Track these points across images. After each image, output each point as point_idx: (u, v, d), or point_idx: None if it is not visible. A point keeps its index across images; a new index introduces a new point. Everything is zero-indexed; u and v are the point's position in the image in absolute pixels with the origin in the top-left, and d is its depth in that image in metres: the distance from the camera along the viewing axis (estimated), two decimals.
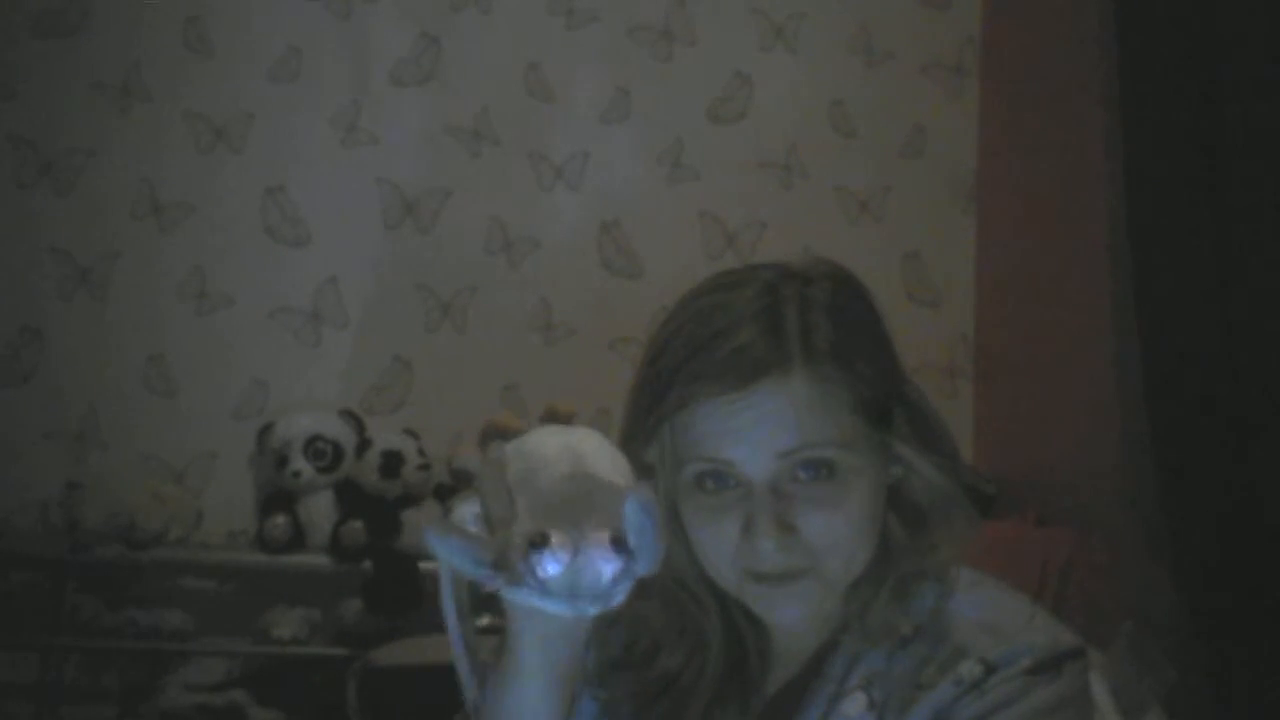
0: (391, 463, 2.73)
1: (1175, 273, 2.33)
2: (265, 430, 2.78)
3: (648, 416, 0.96)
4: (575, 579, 0.83)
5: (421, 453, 2.76)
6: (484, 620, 2.73)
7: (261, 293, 2.89)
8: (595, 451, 0.89)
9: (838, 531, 0.94)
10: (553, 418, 0.94)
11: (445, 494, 2.77)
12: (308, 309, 2.91)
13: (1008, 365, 3.07)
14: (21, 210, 2.80)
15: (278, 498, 2.72)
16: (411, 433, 2.79)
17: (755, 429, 0.93)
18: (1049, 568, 2.39)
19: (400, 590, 2.63)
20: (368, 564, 2.65)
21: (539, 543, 0.82)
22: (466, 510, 0.93)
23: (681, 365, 0.95)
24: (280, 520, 2.67)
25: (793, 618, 0.98)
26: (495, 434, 0.93)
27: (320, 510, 2.71)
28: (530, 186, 3.01)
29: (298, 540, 2.68)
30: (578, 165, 3.03)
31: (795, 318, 0.95)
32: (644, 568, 0.84)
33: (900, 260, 3.15)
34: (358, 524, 2.66)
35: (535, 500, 0.86)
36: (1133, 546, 2.50)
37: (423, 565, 2.65)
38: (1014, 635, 0.95)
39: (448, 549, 0.85)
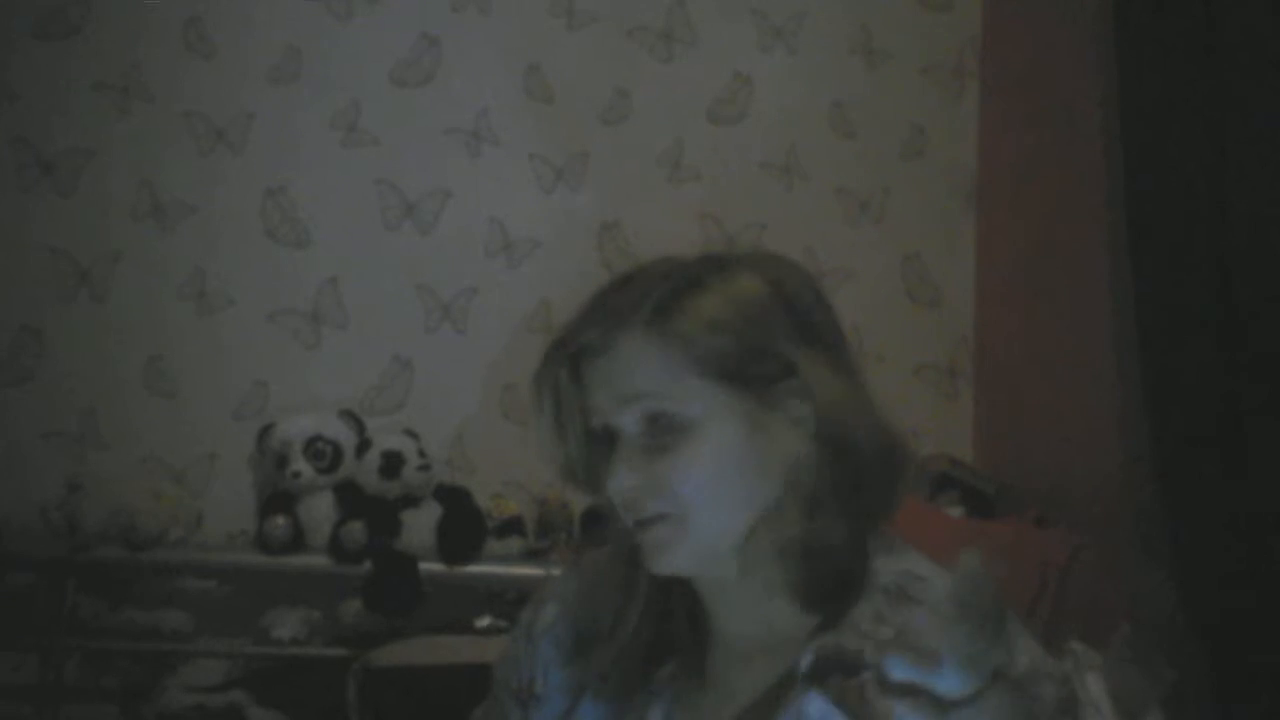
0: (392, 463, 2.72)
1: (1175, 273, 2.33)
2: (265, 431, 2.78)
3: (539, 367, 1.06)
4: None
5: (422, 453, 2.76)
6: (485, 621, 2.74)
7: (261, 293, 2.89)
8: None
9: (683, 478, 1.00)
10: None
11: (445, 495, 2.77)
12: (308, 310, 2.91)
13: (1008, 365, 3.07)
14: (22, 210, 2.80)
15: (278, 498, 2.72)
16: (411, 433, 2.79)
17: (606, 378, 1.02)
18: (1049, 568, 2.39)
19: (400, 591, 2.64)
20: (368, 564, 2.64)
21: None
22: None
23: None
24: (280, 521, 2.67)
25: (669, 565, 1.03)
26: None
27: (320, 511, 2.70)
28: (530, 187, 3.01)
29: (298, 541, 2.68)
30: (578, 166, 3.03)
31: (665, 287, 1.02)
32: None
33: (900, 261, 3.15)
34: (358, 525, 2.66)
35: None
36: (1133, 546, 2.50)
37: (422, 566, 2.65)
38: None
39: None
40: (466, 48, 2.99)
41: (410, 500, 2.73)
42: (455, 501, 2.76)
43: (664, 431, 1.01)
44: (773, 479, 1.03)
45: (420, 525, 2.71)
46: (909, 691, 0.83)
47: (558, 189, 3.03)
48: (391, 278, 2.94)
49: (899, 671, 0.84)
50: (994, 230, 3.16)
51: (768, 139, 3.11)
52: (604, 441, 1.05)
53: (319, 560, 2.67)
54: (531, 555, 2.73)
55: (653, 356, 1.01)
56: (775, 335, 1.02)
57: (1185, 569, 2.28)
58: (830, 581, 1.02)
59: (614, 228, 3.02)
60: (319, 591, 2.72)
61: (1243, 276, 2.20)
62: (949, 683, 0.83)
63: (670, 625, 1.09)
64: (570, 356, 1.05)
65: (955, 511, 2.81)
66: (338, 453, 2.73)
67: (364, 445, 2.76)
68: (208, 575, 2.78)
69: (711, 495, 1.01)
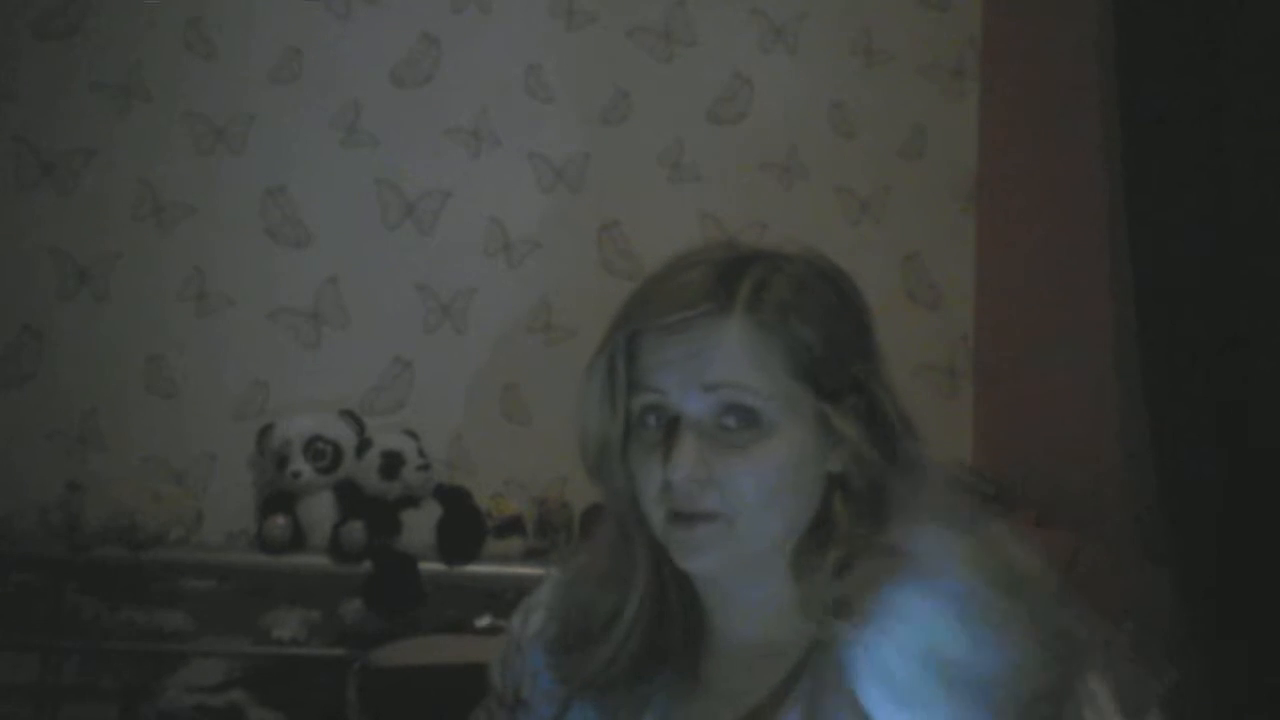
0: (391, 463, 2.72)
1: (1175, 273, 2.33)
2: (265, 431, 2.78)
3: (602, 344, 1.01)
4: None
5: (421, 453, 2.76)
6: (485, 621, 2.73)
7: (261, 293, 2.89)
8: None
9: (750, 480, 0.96)
10: None
11: (445, 495, 2.77)
12: (308, 310, 2.91)
13: (1008, 365, 3.07)
14: (22, 211, 2.80)
15: (278, 498, 2.72)
16: (411, 433, 2.79)
17: (686, 360, 0.97)
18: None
19: (400, 591, 2.63)
20: (368, 564, 2.64)
21: None
22: None
23: (635, 294, 1.01)
24: (280, 521, 2.67)
25: (703, 565, 1.00)
26: None
27: (320, 511, 2.70)
28: (530, 187, 3.01)
29: (298, 541, 2.68)
30: (578, 166, 3.03)
31: (754, 273, 0.98)
32: None
33: (900, 261, 3.15)
34: (358, 524, 2.66)
35: None
36: (1133, 547, 2.50)
37: (422, 566, 2.65)
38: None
39: None
40: (466, 48, 2.99)
41: (410, 500, 2.73)
42: (455, 501, 2.76)
43: (739, 426, 0.97)
44: (815, 495, 1.01)
45: (420, 525, 2.71)
46: None
47: (558, 189, 3.03)
48: (391, 278, 2.94)
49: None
50: (994, 230, 3.15)
51: (768, 139, 3.11)
52: (644, 425, 1.01)
53: (319, 560, 2.67)
54: (531, 555, 2.74)
55: (747, 345, 0.97)
56: (847, 341, 1.00)
57: (1185, 569, 2.28)
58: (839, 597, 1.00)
59: (614, 228, 3.02)
60: (319, 591, 2.72)
61: (1243, 276, 2.20)
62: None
63: (665, 630, 1.06)
64: (629, 335, 1.01)
65: None
66: (338, 453, 2.73)
67: (364, 445, 2.76)
68: (208, 575, 2.78)
69: (767, 502, 0.97)
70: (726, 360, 0.96)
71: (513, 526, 2.79)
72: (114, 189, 2.83)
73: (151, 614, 2.64)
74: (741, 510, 0.97)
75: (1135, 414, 2.48)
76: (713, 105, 3.10)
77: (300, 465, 2.70)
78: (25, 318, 2.79)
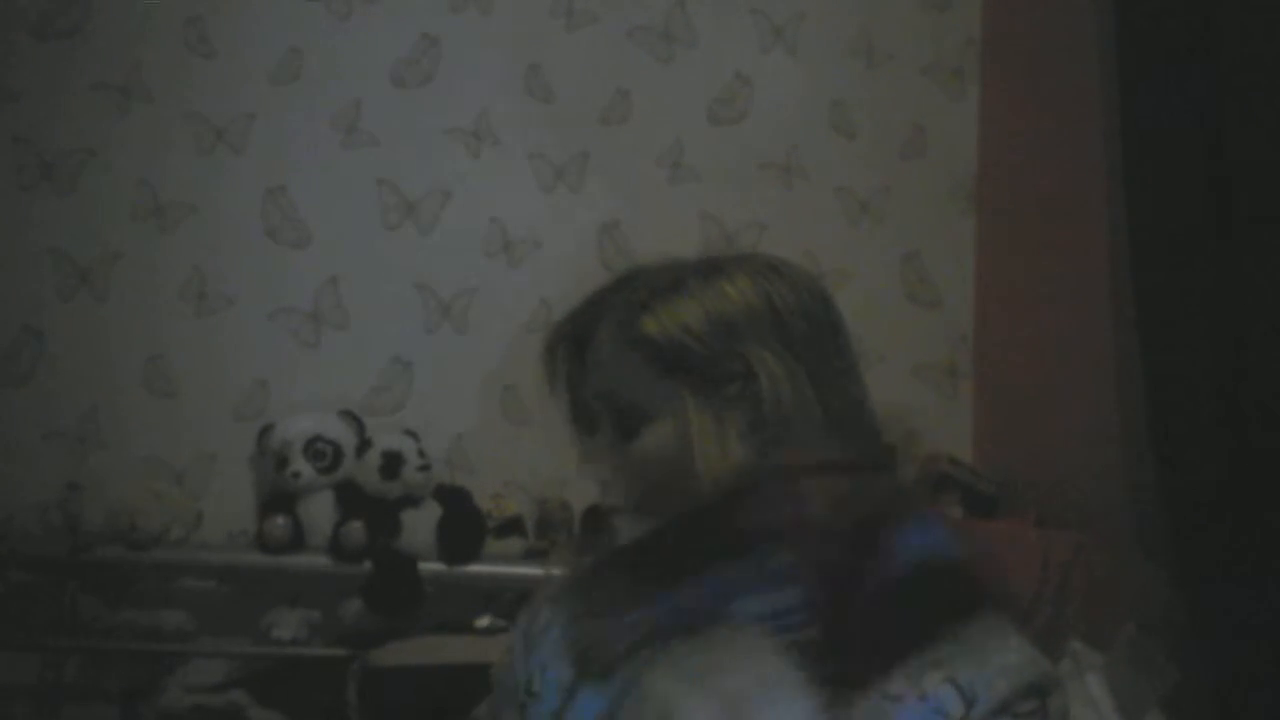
0: (392, 463, 2.72)
1: (1176, 273, 2.34)
2: (265, 431, 2.78)
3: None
4: None
5: (422, 453, 2.76)
6: (485, 621, 2.74)
7: (262, 293, 2.89)
8: None
9: (643, 463, 1.06)
10: None
11: (445, 495, 2.77)
12: (308, 310, 2.91)
13: (1008, 365, 3.07)
14: (22, 211, 2.80)
15: (278, 498, 2.72)
16: (412, 433, 2.79)
17: (590, 369, 1.11)
18: (1049, 568, 2.39)
19: (400, 591, 2.64)
20: (368, 564, 2.64)
21: None
22: None
23: None
24: (280, 521, 2.67)
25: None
26: None
27: (320, 511, 2.70)
28: (530, 187, 3.01)
29: (298, 541, 2.68)
30: (578, 166, 3.03)
31: (639, 291, 1.08)
32: None
33: (900, 261, 3.15)
34: (358, 525, 2.66)
35: None
36: (1133, 546, 2.50)
37: (422, 566, 2.65)
38: (988, 656, 0.95)
39: None
40: (466, 48, 2.99)
41: (410, 500, 2.73)
42: (455, 502, 2.76)
43: (629, 420, 1.05)
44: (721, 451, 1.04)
45: (420, 525, 2.71)
46: None
47: (558, 189, 3.03)
48: (391, 278, 2.94)
49: None
50: (994, 230, 3.16)
51: (768, 139, 3.10)
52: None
53: (319, 560, 2.67)
54: (531, 555, 2.74)
55: (617, 358, 1.06)
56: (743, 339, 1.02)
57: (1185, 568, 2.28)
58: None
59: (614, 228, 3.02)
60: (319, 591, 2.72)
61: (1244, 276, 2.20)
62: None
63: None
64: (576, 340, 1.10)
65: (955, 512, 2.81)
66: (338, 453, 2.73)
67: (364, 445, 2.76)
68: (208, 575, 2.77)
69: (667, 482, 1.03)
70: (604, 372, 1.08)
71: (513, 527, 2.79)
72: (114, 189, 2.83)
73: (151, 614, 2.64)
74: (645, 491, 1.06)
75: (1135, 414, 2.48)
76: (713, 105, 3.10)
77: (300, 465, 2.70)
78: (25, 318, 2.79)
